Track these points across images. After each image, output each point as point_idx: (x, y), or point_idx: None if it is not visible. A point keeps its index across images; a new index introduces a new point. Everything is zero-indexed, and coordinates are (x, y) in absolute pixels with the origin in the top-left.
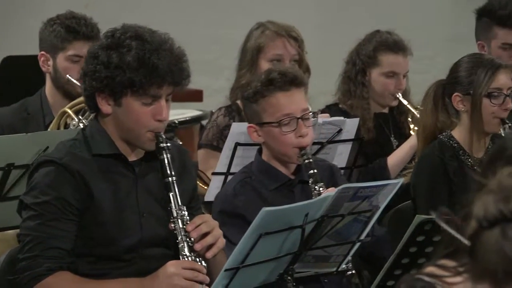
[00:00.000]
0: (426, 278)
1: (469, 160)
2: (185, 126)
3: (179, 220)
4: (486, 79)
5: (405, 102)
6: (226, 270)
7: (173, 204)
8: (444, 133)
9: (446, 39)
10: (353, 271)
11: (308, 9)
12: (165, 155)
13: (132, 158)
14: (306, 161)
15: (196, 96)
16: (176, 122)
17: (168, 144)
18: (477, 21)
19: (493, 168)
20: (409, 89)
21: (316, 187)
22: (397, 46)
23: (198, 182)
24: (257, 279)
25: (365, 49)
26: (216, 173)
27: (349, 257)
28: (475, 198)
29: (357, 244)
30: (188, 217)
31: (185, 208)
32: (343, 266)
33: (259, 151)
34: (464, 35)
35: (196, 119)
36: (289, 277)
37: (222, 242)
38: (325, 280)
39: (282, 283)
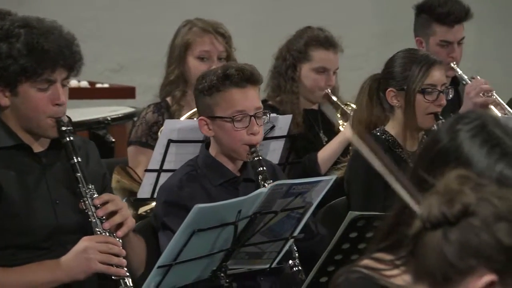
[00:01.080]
0: (364, 270)
1: (403, 154)
2: (118, 123)
3: (89, 199)
4: (421, 75)
5: (334, 98)
6: (159, 267)
7: (81, 184)
8: (378, 128)
9: (379, 35)
10: (300, 268)
11: (242, 6)
12: (67, 138)
13: (38, 148)
14: (256, 158)
15: (129, 93)
16: (109, 119)
17: (70, 128)
18: (416, 17)
19: (426, 161)
20: (338, 86)
21: (265, 184)
22: (328, 42)
23: (126, 179)
24: (190, 276)
25: (296, 45)
26: (149, 170)
27: (295, 254)
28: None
29: (290, 241)
30: (97, 195)
31: (93, 187)
32: (290, 262)
33: (206, 146)
34: (397, 31)
35: (129, 116)
36: (222, 274)
37: (132, 222)
38: (261, 278)
39: (215, 280)
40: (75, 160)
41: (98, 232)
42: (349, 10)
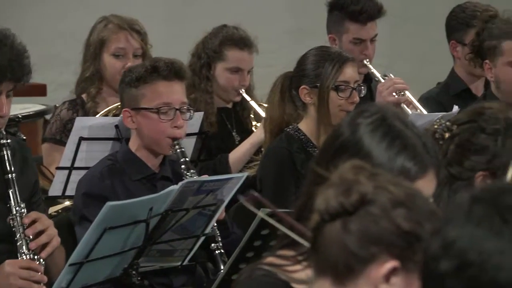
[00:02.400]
0: (267, 267)
1: (316, 152)
2: (29, 121)
3: (18, 218)
4: (334, 72)
5: (248, 98)
6: (70, 265)
7: (12, 201)
8: (291, 126)
9: (291, 32)
10: (222, 250)
11: (155, 3)
12: (5, 152)
13: None
14: (179, 150)
15: (40, 90)
16: (20, 116)
17: (9, 141)
18: (328, 14)
19: (328, 155)
20: (253, 85)
21: (188, 174)
22: (243, 42)
23: (39, 178)
24: (101, 274)
25: (211, 43)
26: (60, 167)
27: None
28: (316, 190)
29: (202, 238)
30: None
31: (24, 205)
32: (213, 245)
33: (126, 141)
34: (309, 28)
35: (39, 114)
36: (133, 272)
37: (57, 241)
38: (173, 276)
39: (126, 278)
40: (10, 177)
41: (23, 254)
42: (261, 6)
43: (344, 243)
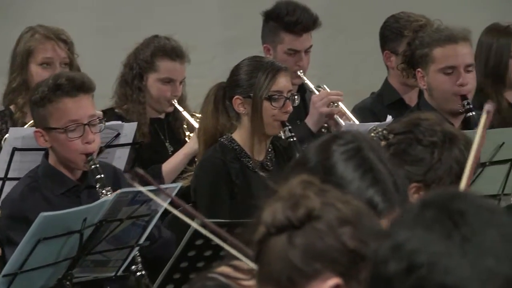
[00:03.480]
0: (221, 278)
1: (251, 162)
2: None
3: None
4: (267, 82)
5: (180, 108)
6: (4, 276)
7: None
8: (225, 136)
9: (224, 42)
10: (143, 272)
11: (86, 12)
12: None
13: None
14: (93, 166)
15: None
16: None
17: None
18: (264, 24)
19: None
20: (186, 95)
21: (103, 191)
22: (174, 53)
23: None
24: (35, 285)
25: (143, 54)
26: None
27: (138, 259)
28: (266, 204)
29: (136, 249)
30: None
31: None
32: (133, 267)
33: (46, 155)
34: (243, 39)
35: None
36: (67, 282)
37: None
38: (107, 286)
39: None
40: None
41: None
42: (194, 16)
43: (289, 257)
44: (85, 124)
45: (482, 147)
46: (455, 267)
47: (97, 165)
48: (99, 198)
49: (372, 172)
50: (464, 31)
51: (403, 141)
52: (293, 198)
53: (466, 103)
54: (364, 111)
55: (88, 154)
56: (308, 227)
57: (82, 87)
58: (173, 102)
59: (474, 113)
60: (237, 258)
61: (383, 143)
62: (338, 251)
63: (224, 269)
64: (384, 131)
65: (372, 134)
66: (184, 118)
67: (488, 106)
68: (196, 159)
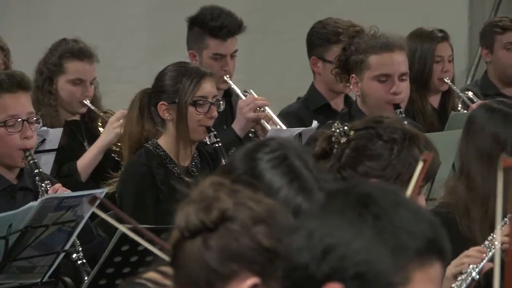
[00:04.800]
0: (149, 284)
1: (176, 168)
2: None
3: None
4: (191, 87)
5: (93, 107)
6: None
7: None
8: (150, 142)
9: (150, 48)
10: (84, 260)
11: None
12: None
13: None
14: (32, 161)
15: None
16: None
17: None
18: (188, 30)
19: None
20: (100, 96)
21: (43, 184)
22: (82, 53)
23: None
24: None
25: (51, 58)
26: None
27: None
28: (179, 208)
29: (62, 254)
30: None
31: None
32: (74, 255)
33: None
34: (169, 44)
35: None
36: None
37: None
38: None
39: None
40: None
41: None
42: (120, 22)
43: (205, 260)
44: (24, 120)
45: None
46: (368, 245)
47: (35, 160)
48: (38, 193)
49: (298, 180)
50: (400, 39)
51: (364, 136)
52: (205, 200)
53: (398, 112)
54: (290, 116)
55: (26, 150)
56: (222, 229)
57: (21, 84)
58: (85, 102)
59: (406, 122)
60: (165, 264)
61: (343, 139)
62: (254, 250)
63: (152, 275)
64: (345, 128)
65: (333, 130)
66: (99, 117)
67: (424, 156)
68: (121, 165)
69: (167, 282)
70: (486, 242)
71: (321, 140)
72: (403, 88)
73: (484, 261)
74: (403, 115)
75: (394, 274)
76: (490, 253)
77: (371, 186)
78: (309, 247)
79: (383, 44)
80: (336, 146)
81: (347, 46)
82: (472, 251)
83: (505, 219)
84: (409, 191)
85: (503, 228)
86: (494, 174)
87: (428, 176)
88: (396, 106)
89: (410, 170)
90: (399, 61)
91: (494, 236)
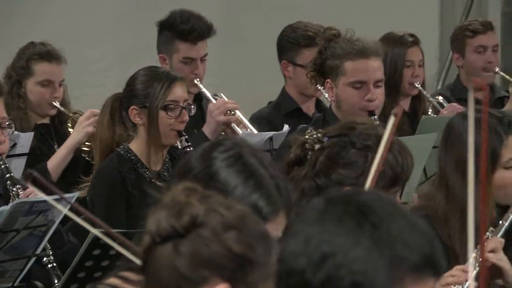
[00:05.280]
0: None
1: (147, 173)
2: None
3: None
4: (162, 91)
5: (62, 109)
6: None
7: None
8: (121, 146)
9: (122, 51)
10: (54, 264)
11: None
12: None
13: None
14: (3, 166)
15: None
16: None
17: None
18: (158, 34)
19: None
20: (69, 99)
21: (14, 189)
22: (49, 55)
23: None
24: None
25: (19, 61)
26: None
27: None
28: (150, 213)
29: (33, 259)
30: None
31: None
32: (45, 259)
33: None
34: (140, 48)
35: None
36: None
37: None
38: None
39: None
40: None
41: None
42: (91, 26)
43: (175, 266)
44: None
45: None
46: (365, 255)
47: (7, 165)
48: (10, 194)
49: (254, 177)
50: (376, 45)
51: (337, 144)
52: (176, 206)
53: (373, 119)
54: (261, 120)
55: None
56: (193, 235)
57: None
58: (55, 104)
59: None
60: (126, 269)
61: (317, 146)
62: (225, 256)
63: (113, 280)
64: (319, 134)
65: (306, 137)
66: (68, 119)
67: (395, 110)
68: (92, 170)
69: (128, 286)
70: (471, 260)
71: (295, 147)
72: (378, 95)
73: (469, 280)
74: (378, 122)
75: (389, 286)
76: (475, 272)
77: (370, 195)
78: (306, 253)
79: (358, 51)
80: (310, 153)
81: (323, 49)
82: (457, 270)
83: (487, 233)
84: (379, 153)
85: (486, 243)
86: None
87: (403, 181)
88: (371, 113)
89: (385, 177)
90: (375, 68)
91: (479, 252)
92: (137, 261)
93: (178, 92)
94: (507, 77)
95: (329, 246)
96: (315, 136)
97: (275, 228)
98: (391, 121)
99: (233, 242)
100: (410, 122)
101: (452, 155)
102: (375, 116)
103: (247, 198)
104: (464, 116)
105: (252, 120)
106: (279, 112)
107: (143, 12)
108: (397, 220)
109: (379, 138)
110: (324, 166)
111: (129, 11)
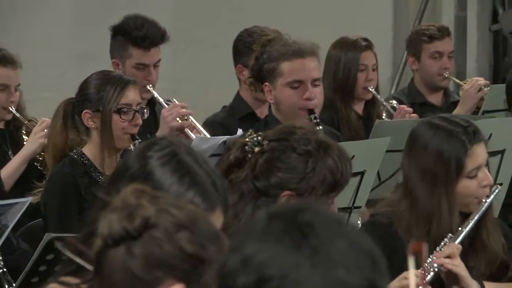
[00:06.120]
0: None
1: (101, 177)
2: None
3: None
4: (115, 95)
5: (18, 115)
6: None
7: None
8: (74, 150)
9: (75, 56)
10: (5, 269)
11: None
12: None
13: None
14: None
15: None
16: None
17: None
18: (112, 39)
19: (117, 186)
20: (24, 105)
21: None
22: (5, 60)
23: None
24: None
25: None
26: None
27: None
28: (100, 216)
29: None
30: None
31: None
32: None
33: None
34: (93, 53)
35: None
36: None
37: None
38: None
39: None
40: None
41: None
42: (44, 31)
43: (129, 268)
44: None
45: None
46: (305, 278)
47: None
48: None
49: (189, 174)
50: (312, 45)
51: (277, 148)
52: (128, 208)
53: (313, 117)
54: (215, 125)
55: None
56: (145, 236)
57: None
58: (11, 109)
59: (321, 127)
60: (66, 274)
61: (256, 149)
62: (177, 257)
63: (54, 286)
64: (259, 137)
65: (247, 140)
66: (23, 125)
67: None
68: (45, 175)
69: None
70: (425, 265)
71: (235, 149)
72: (317, 94)
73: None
74: (318, 120)
75: None
76: (429, 276)
77: (314, 213)
78: (245, 273)
79: (294, 51)
80: (249, 155)
81: (260, 55)
82: (411, 274)
83: (445, 239)
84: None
85: (443, 249)
86: (438, 194)
87: (342, 186)
88: (310, 111)
89: (325, 182)
90: (311, 67)
91: (434, 258)
92: (89, 266)
93: (131, 95)
94: (458, 81)
95: (268, 268)
96: (255, 138)
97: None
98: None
99: (186, 242)
100: (364, 126)
101: (416, 164)
102: (315, 115)
103: (183, 195)
104: (429, 124)
105: (206, 124)
106: (233, 117)
107: (96, 17)
108: (339, 241)
109: (318, 143)
110: (263, 169)
111: (83, 15)
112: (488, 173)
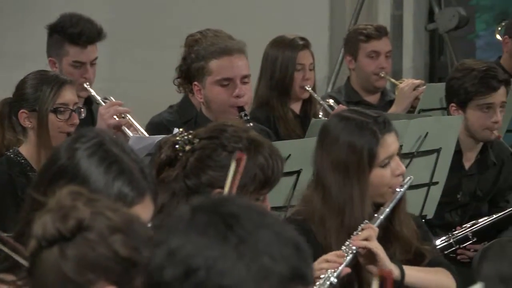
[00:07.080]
0: None
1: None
2: None
3: None
4: (52, 95)
5: None
6: None
7: None
8: (11, 150)
9: (9, 55)
10: None
11: None
12: None
13: None
14: None
15: None
16: None
17: None
18: (48, 37)
19: (45, 178)
20: None
21: None
22: None
23: None
24: None
25: None
26: None
27: None
28: (35, 216)
29: None
30: None
31: None
32: None
33: None
34: (28, 52)
35: None
36: None
37: None
38: None
39: None
40: None
41: None
42: None
43: (62, 270)
44: None
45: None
46: (231, 268)
47: None
48: None
49: (116, 164)
50: (239, 43)
51: (208, 146)
52: (62, 209)
53: (243, 115)
54: (160, 126)
55: None
56: (79, 238)
57: None
58: None
59: (252, 124)
60: (1, 271)
61: (187, 147)
62: (111, 259)
63: None
64: (190, 136)
65: (177, 138)
66: None
67: (238, 154)
68: None
69: (3, 287)
70: (343, 247)
71: (166, 148)
72: (246, 91)
73: (342, 265)
74: (248, 117)
75: None
76: (348, 258)
77: (237, 205)
78: (172, 265)
79: (221, 49)
80: (180, 154)
81: (187, 55)
82: (331, 255)
83: (362, 224)
84: (225, 191)
85: (360, 233)
86: (350, 184)
87: (273, 184)
88: (240, 108)
89: (256, 180)
90: (239, 64)
91: (351, 241)
92: (25, 264)
93: (68, 95)
94: (394, 81)
95: (194, 260)
96: (186, 137)
97: (142, 211)
98: (233, 166)
99: (120, 245)
100: (301, 125)
101: (328, 156)
102: (245, 112)
103: (111, 186)
104: (340, 117)
105: (152, 125)
106: (179, 119)
107: (31, 15)
108: (264, 231)
109: (249, 141)
110: (194, 168)
111: (17, 14)
112: (400, 162)
